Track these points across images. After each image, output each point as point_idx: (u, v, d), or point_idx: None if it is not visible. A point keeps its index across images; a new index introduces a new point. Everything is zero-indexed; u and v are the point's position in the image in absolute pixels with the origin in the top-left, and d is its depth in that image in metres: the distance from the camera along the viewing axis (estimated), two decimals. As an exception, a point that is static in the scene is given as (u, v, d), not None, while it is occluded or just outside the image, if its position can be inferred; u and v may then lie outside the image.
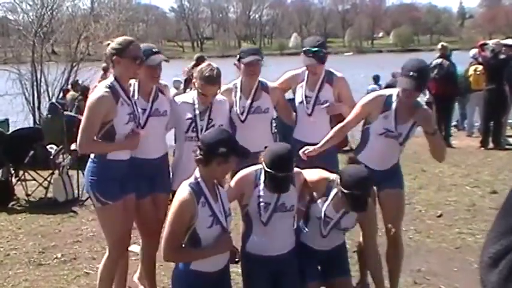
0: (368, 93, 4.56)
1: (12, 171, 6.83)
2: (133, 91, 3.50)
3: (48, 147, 7.00)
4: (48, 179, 6.69)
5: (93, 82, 9.20)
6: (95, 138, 3.20)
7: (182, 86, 8.46)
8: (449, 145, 9.04)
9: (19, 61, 13.73)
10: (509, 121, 10.45)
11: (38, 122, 12.17)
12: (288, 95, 4.24)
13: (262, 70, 3.95)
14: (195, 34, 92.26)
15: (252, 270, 3.16)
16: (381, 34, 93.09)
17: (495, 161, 8.38)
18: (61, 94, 13.02)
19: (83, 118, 3.23)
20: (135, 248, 4.30)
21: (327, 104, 3.95)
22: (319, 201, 3.15)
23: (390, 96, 3.52)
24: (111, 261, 3.45)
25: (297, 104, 4.07)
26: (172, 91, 6.13)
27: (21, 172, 6.71)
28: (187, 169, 2.99)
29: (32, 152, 6.65)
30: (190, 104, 3.70)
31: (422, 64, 3.44)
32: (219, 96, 3.76)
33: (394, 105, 3.47)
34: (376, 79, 13.09)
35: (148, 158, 3.56)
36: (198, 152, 2.74)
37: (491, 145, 9.40)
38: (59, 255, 4.86)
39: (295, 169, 3.04)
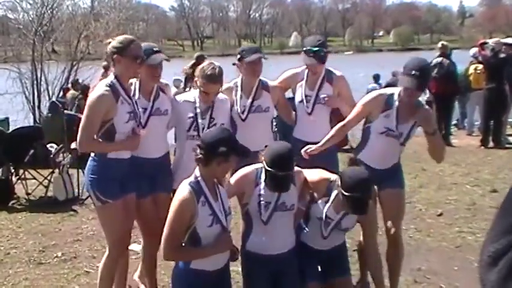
0: (368, 92, 4.56)
1: (13, 170, 6.83)
2: (135, 90, 3.50)
3: (48, 146, 7.00)
4: (49, 177, 6.69)
5: (93, 80, 9.20)
6: (95, 136, 3.20)
7: (182, 84, 8.46)
8: (449, 144, 9.04)
9: (19, 60, 13.73)
10: (510, 120, 10.44)
11: (38, 121, 12.18)
12: (288, 94, 4.23)
13: (263, 69, 3.94)
14: (195, 33, 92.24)
15: (252, 269, 3.16)
16: (381, 33, 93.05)
17: (495, 159, 8.38)
18: (61, 93, 13.01)
19: (83, 117, 3.22)
20: (136, 246, 4.31)
21: (326, 95, 3.94)
22: (319, 201, 3.14)
23: (392, 95, 3.52)
24: (111, 260, 3.44)
25: (296, 103, 4.07)
26: (173, 90, 6.12)
27: (21, 171, 6.71)
28: (189, 168, 2.99)
29: (32, 151, 6.65)
30: (191, 102, 3.70)
31: (424, 63, 3.45)
32: (220, 95, 3.76)
33: (395, 105, 3.47)
34: (376, 78, 13.09)
35: (149, 158, 3.56)
36: (198, 151, 2.74)
37: (491, 144, 9.40)
38: (59, 254, 4.86)
39: (296, 168, 3.04)
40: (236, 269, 3.50)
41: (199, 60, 5.85)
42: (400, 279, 3.82)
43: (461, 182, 6.96)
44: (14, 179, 6.82)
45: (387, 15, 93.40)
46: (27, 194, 6.64)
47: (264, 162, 2.96)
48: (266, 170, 2.94)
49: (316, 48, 3.85)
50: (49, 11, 13.88)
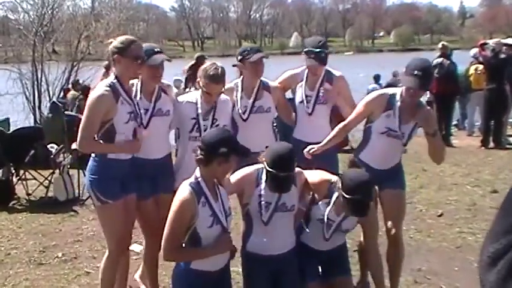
0: (369, 92, 4.56)
1: (13, 171, 6.83)
2: (136, 91, 3.50)
3: (48, 146, 7.01)
4: (49, 178, 6.69)
5: (94, 81, 9.20)
6: (95, 137, 3.20)
7: (183, 85, 8.46)
8: (449, 144, 9.05)
9: (20, 60, 13.73)
10: (510, 120, 10.45)
11: (38, 122, 12.18)
12: (288, 94, 4.23)
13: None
14: (196, 33, 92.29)
15: (252, 269, 3.16)
16: (381, 33, 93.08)
17: (496, 160, 8.37)
18: (62, 93, 13.03)
19: (83, 117, 3.22)
20: (136, 247, 4.31)
21: (324, 88, 3.93)
22: (320, 203, 3.14)
23: (393, 95, 3.52)
24: (111, 260, 3.44)
25: (297, 103, 4.06)
26: (173, 90, 6.13)
27: (21, 171, 6.71)
28: (190, 169, 2.98)
29: (32, 151, 6.65)
30: (193, 103, 3.69)
31: (426, 63, 3.46)
32: (222, 96, 3.74)
33: (397, 105, 3.47)
34: (376, 78, 13.10)
35: (151, 158, 3.55)
36: (198, 151, 2.74)
37: (491, 144, 9.40)
38: (60, 255, 4.86)
39: (297, 169, 3.04)
40: (236, 269, 3.50)
41: (200, 60, 5.86)
42: (401, 279, 3.82)
43: (461, 183, 6.96)
44: (14, 179, 6.82)
45: (387, 15, 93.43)
46: (28, 194, 6.64)
47: (264, 162, 2.96)
48: (267, 171, 2.94)
49: (318, 50, 3.85)
50: (49, 12, 13.87)
